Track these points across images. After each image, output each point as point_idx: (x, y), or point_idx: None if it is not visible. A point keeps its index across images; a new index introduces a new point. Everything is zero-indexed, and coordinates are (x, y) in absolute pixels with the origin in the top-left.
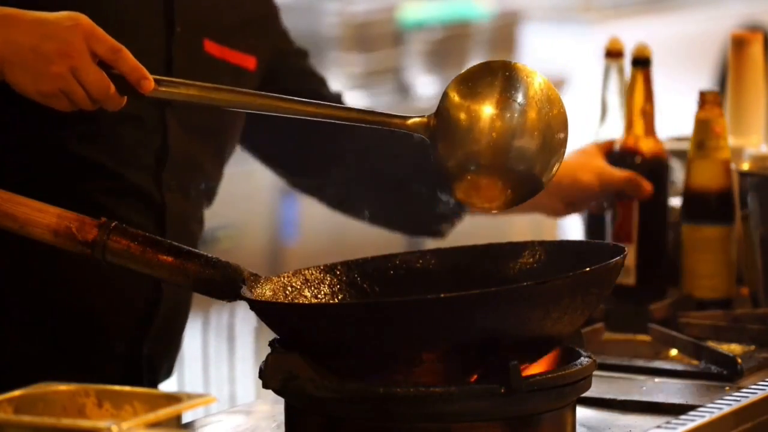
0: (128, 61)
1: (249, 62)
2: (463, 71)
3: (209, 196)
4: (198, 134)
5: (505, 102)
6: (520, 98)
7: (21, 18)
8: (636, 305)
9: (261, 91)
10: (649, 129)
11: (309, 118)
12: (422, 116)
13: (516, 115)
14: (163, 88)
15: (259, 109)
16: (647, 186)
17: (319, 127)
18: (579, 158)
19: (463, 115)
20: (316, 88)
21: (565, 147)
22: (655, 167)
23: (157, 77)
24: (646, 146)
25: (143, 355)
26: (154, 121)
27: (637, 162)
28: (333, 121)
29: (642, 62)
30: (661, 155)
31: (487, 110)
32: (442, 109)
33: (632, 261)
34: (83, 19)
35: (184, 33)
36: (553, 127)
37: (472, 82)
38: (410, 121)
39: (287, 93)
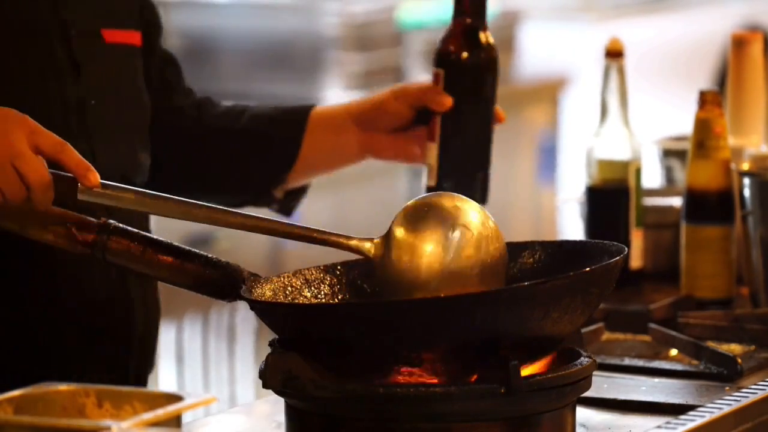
0: (73, 155)
1: (135, 38)
2: (408, 205)
3: (135, 169)
4: (118, 128)
5: (444, 242)
6: (457, 236)
7: None
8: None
9: (198, 202)
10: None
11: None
12: (365, 240)
13: (453, 254)
14: (104, 190)
15: (196, 220)
16: (446, 99)
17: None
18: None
19: (404, 254)
20: (163, 70)
21: (503, 273)
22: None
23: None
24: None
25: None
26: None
27: (453, 60)
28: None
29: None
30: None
31: (427, 248)
32: (387, 240)
33: (434, 161)
34: (28, 119)
35: (81, 32)
36: (493, 261)
37: (414, 219)
38: (353, 242)
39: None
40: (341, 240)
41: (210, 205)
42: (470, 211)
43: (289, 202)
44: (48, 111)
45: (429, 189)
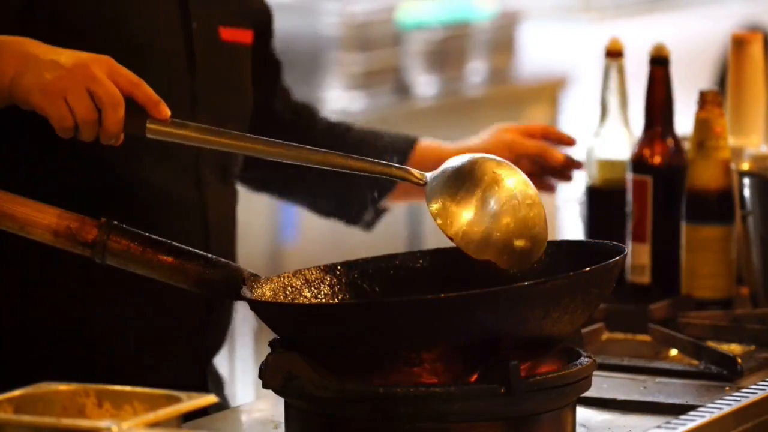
0: (146, 91)
1: (247, 37)
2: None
3: (233, 182)
4: (228, 122)
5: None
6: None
7: (36, 44)
8: (649, 304)
9: (261, 137)
10: (667, 129)
11: (316, 166)
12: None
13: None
14: (169, 127)
15: (259, 154)
16: (558, 156)
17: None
18: (491, 137)
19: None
20: (274, 76)
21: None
22: (672, 169)
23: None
24: (662, 148)
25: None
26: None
27: (654, 163)
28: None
29: (660, 61)
30: (677, 157)
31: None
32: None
33: (647, 260)
34: (111, 60)
35: (201, 27)
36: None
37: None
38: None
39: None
40: (395, 171)
41: (268, 139)
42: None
43: (373, 220)
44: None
45: (641, 287)
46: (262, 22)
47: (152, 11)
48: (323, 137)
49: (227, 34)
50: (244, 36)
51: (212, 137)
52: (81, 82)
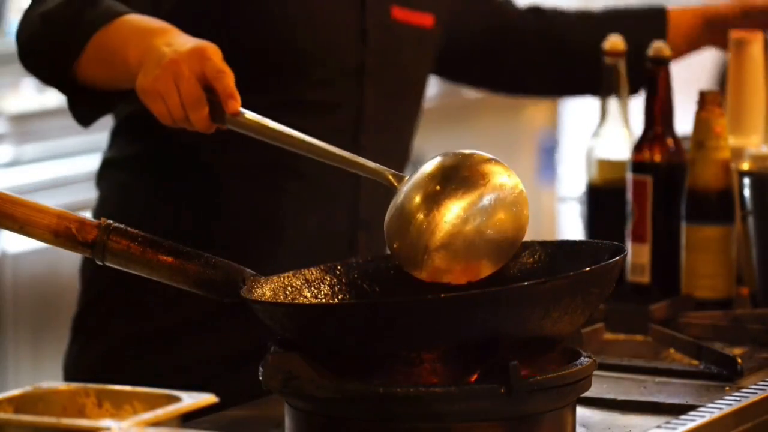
0: (223, 82)
1: (427, 20)
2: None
3: (403, 159)
4: (392, 97)
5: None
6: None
7: (165, 32)
8: (649, 304)
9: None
10: (667, 129)
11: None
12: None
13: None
14: (242, 119)
15: (319, 157)
16: None
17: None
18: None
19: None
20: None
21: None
22: (672, 169)
23: (243, 110)
24: (662, 148)
25: None
26: (350, 87)
27: (654, 163)
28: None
29: (660, 61)
30: (677, 157)
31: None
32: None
33: (647, 260)
34: (210, 45)
35: (374, 3)
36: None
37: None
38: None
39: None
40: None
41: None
42: (501, 176)
43: None
44: (330, 63)
45: (639, 286)
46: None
47: None
48: (578, 32)
49: (400, 14)
50: (420, 18)
51: (284, 136)
52: (171, 80)
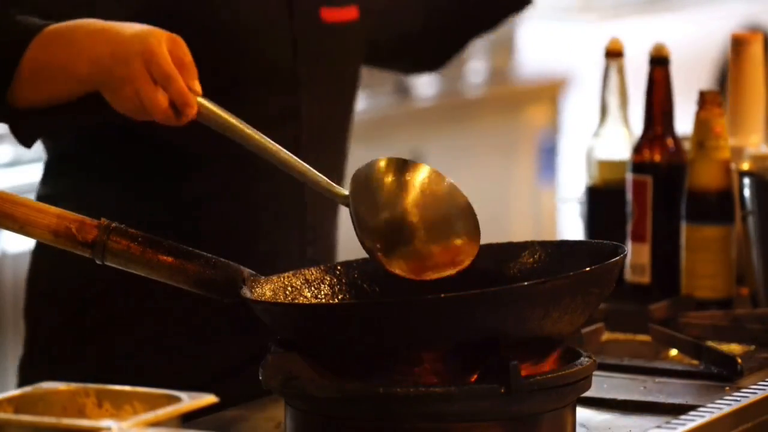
0: (177, 86)
1: (352, 13)
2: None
3: (343, 164)
4: (328, 103)
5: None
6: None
7: (102, 33)
8: (649, 304)
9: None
10: (667, 129)
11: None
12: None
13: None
14: (203, 111)
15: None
16: None
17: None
18: None
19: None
20: None
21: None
22: (672, 169)
23: (201, 101)
24: (662, 148)
25: None
26: (285, 100)
27: (654, 163)
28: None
29: (660, 62)
30: (677, 157)
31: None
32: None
33: (647, 260)
34: (152, 39)
35: (303, 8)
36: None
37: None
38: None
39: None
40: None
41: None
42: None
43: None
44: (260, 81)
45: (639, 286)
46: None
47: None
48: None
49: (329, 14)
50: (346, 14)
51: (237, 127)
52: (133, 91)
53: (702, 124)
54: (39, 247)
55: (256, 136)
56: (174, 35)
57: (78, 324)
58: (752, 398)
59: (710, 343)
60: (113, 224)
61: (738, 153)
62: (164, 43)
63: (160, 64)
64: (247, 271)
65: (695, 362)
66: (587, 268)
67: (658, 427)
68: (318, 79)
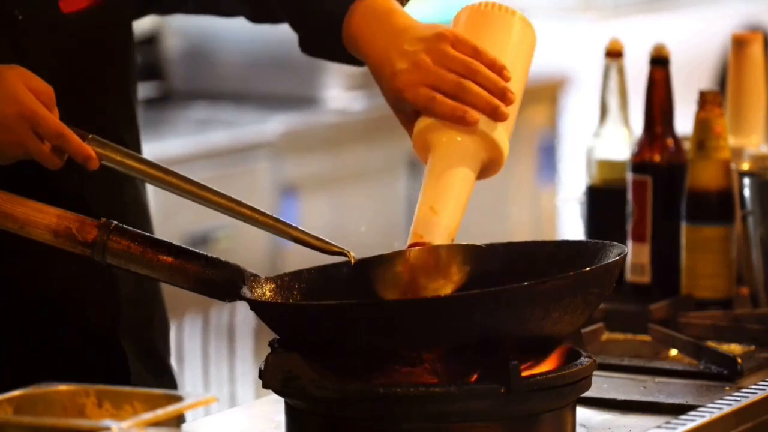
0: (72, 144)
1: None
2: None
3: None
4: (88, 107)
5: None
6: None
7: None
8: (649, 304)
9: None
10: (667, 129)
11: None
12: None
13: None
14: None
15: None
16: None
17: None
18: None
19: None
20: None
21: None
22: (672, 169)
23: (101, 142)
24: (662, 148)
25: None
26: None
27: (654, 163)
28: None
29: (660, 62)
30: (677, 157)
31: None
32: None
33: (647, 260)
34: (24, 101)
35: (28, 16)
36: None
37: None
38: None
39: None
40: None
41: (208, 187)
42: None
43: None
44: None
45: (639, 286)
46: None
47: None
48: None
49: (67, 5)
50: (81, 2)
51: (145, 168)
52: (23, 153)
53: (702, 124)
54: None
55: (158, 173)
56: (18, 68)
57: None
58: (752, 398)
59: (710, 343)
60: (113, 224)
61: (738, 153)
62: (31, 92)
63: (48, 126)
64: (247, 271)
65: (695, 362)
66: (587, 268)
67: (658, 427)
68: (70, 91)
